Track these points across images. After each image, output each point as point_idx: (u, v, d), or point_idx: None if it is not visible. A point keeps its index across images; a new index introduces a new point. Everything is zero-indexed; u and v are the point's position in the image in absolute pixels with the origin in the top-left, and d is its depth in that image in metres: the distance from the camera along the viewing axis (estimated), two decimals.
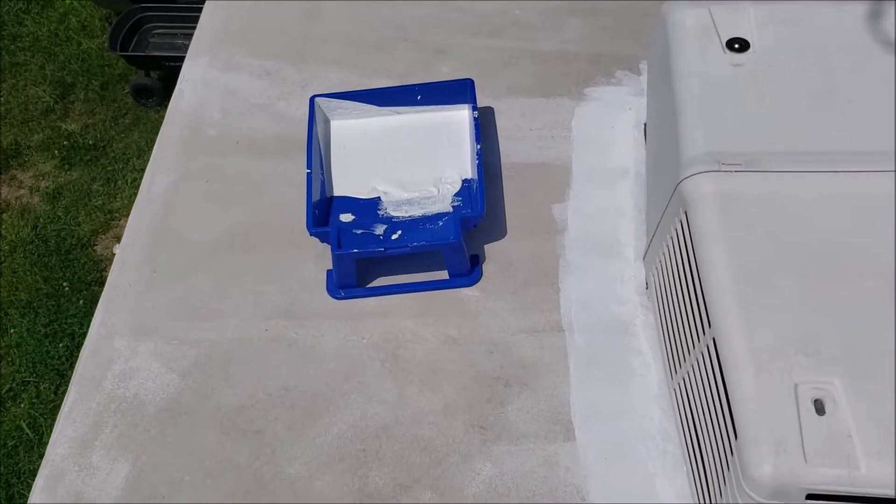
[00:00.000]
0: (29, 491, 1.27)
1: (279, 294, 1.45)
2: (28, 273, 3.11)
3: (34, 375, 2.85)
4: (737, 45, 1.22)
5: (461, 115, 1.59)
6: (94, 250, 3.20)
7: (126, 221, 1.57)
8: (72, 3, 4.00)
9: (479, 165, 1.48)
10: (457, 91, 1.58)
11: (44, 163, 3.49)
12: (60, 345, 2.91)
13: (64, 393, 1.40)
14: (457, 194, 1.50)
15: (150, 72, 3.52)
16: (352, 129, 1.60)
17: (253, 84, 1.74)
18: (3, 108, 3.66)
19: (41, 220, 3.29)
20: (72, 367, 2.20)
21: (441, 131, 1.58)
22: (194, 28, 1.86)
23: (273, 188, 1.58)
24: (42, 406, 2.79)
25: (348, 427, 1.30)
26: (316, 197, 1.47)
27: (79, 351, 1.66)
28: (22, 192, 3.43)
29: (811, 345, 0.95)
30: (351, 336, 1.40)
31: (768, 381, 0.93)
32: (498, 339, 1.39)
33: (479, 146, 1.50)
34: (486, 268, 1.48)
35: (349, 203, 1.50)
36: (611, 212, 1.51)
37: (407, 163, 1.55)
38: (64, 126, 3.60)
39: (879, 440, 0.88)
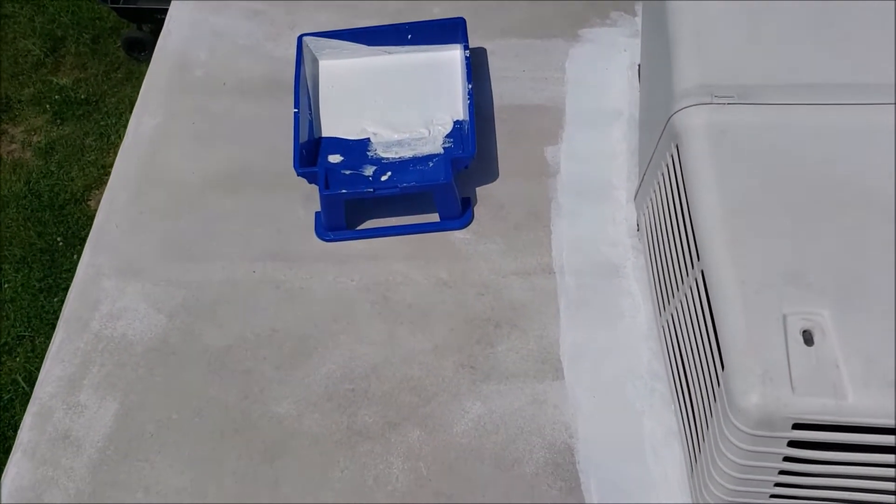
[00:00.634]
0: None
1: (267, 236, 1.43)
2: (21, 228, 3.09)
3: (29, 330, 2.85)
4: None
5: (453, 56, 1.56)
6: (88, 205, 3.18)
7: None
8: None
9: (470, 106, 1.45)
10: (448, 30, 1.55)
11: (35, 117, 3.45)
12: (55, 299, 2.90)
13: None
14: (448, 136, 1.48)
15: (142, 25, 3.46)
16: (341, 69, 1.57)
17: (241, 25, 1.71)
18: None
19: (34, 175, 3.26)
20: None
21: (432, 72, 1.55)
22: None
23: (261, 129, 1.56)
24: (37, 360, 2.79)
25: (337, 367, 1.30)
26: (304, 138, 1.45)
27: None
28: (14, 146, 3.39)
29: (801, 276, 0.94)
30: (340, 278, 1.39)
31: (757, 312, 0.92)
32: (489, 281, 1.38)
33: (470, 86, 1.47)
34: (478, 210, 1.46)
35: (338, 144, 1.48)
36: (604, 154, 1.49)
37: (397, 103, 1.52)
38: (55, 80, 3.55)
39: (866, 370, 0.87)
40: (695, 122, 1.06)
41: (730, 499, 0.97)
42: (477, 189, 1.48)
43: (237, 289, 1.38)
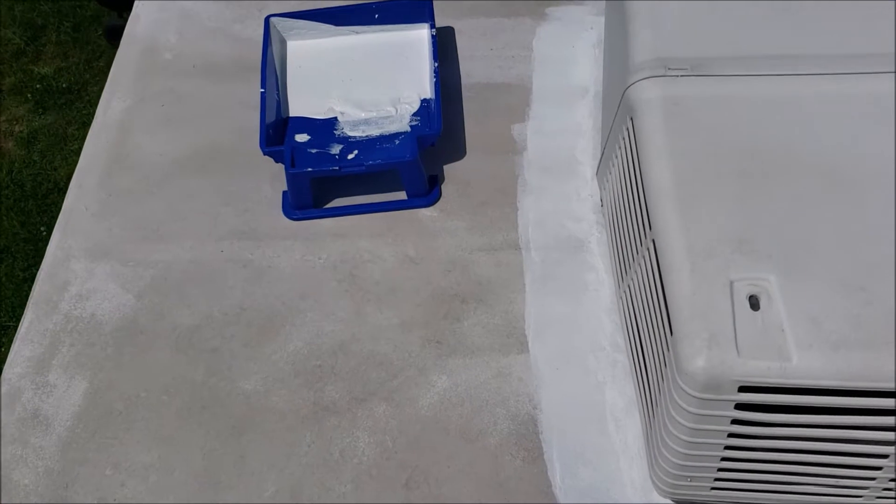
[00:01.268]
0: None
1: (235, 215, 1.44)
2: (4, 218, 3.09)
3: (13, 319, 2.85)
4: None
5: (420, 35, 1.56)
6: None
7: None
8: None
9: (436, 84, 1.46)
10: (415, 10, 1.55)
11: (17, 107, 3.43)
12: None
13: None
14: (415, 114, 1.49)
15: (123, 13, 3.44)
16: (308, 49, 1.57)
17: (209, 7, 1.71)
18: None
19: (16, 164, 3.26)
20: None
21: (399, 51, 1.56)
22: None
23: (229, 111, 1.56)
24: None
25: (304, 344, 1.31)
26: (271, 117, 1.45)
27: None
28: None
29: (748, 243, 0.95)
30: (308, 256, 1.40)
31: (704, 278, 0.93)
32: (456, 257, 1.39)
33: (436, 65, 1.48)
34: (445, 188, 1.47)
35: (305, 123, 1.49)
36: (570, 131, 1.50)
37: (364, 83, 1.53)
38: (36, 69, 3.54)
39: (811, 333, 0.89)
40: (649, 95, 1.07)
41: (683, 462, 0.99)
42: (444, 167, 1.49)
43: (205, 268, 1.39)
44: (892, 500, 1.00)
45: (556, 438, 1.20)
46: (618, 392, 1.22)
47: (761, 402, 0.90)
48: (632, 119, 1.09)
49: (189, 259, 1.40)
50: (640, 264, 1.07)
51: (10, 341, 2.80)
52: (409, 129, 1.46)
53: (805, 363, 0.88)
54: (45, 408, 1.27)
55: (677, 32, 1.13)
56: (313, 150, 1.43)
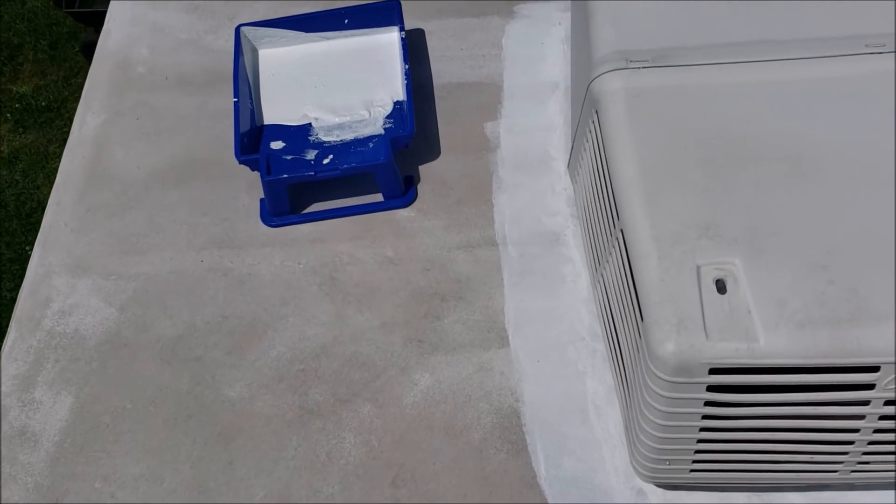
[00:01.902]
0: None
1: (213, 225, 1.45)
2: None
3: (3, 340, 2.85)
4: None
5: (390, 38, 1.58)
6: None
7: None
8: None
9: (407, 86, 1.47)
10: (384, 13, 1.57)
11: None
12: None
13: None
14: (388, 116, 1.50)
15: (100, 28, 3.44)
16: (280, 56, 1.58)
17: (181, 19, 1.72)
18: None
19: None
20: None
21: (370, 54, 1.57)
22: None
23: (204, 122, 1.57)
24: None
25: (287, 349, 1.32)
26: (245, 126, 1.46)
27: None
28: None
29: (713, 228, 0.97)
30: (287, 262, 1.41)
31: (671, 264, 0.95)
32: (434, 256, 1.41)
33: (407, 67, 1.49)
34: (421, 188, 1.49)
35: (280, 131, 1.50)
36: (541, 127, 1.52)
37: (337, 88, 1.54)
38: (15, 88, 3.54)
39: (776, 314, 0.91)
40: (611, 88, 1.09)
41: (660, 446, 1.01)
42: (419, 167, 1.50)
43: (186, 278, 1.40)
44: (867, 473, 1.02)
45: (540, 430, 1.22)
46: (598, 381, 1.24)
47: (732, 383, 0.92)
48: (597, 112, 1.11)
49: (170, 270, 1.41)
50: (611, 254, 1.09)
51: None
52: (382, 131, 1.47)
53: (772, 343, 0.90)
54: (32, 424, 1.28)
55: (638, 25, 1.15)
56: (288, 157, 1.44)
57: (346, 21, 1.57)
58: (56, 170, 3.35)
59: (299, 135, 1.49)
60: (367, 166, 1.41)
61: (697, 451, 1.01)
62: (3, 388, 1.32)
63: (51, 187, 3.36)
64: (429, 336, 1.32)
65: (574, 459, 1.19)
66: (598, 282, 1.20)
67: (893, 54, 1.08)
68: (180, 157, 1.54)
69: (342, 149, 1.46)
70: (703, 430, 0.98)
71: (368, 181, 1.45)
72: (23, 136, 3.40)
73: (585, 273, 1.34)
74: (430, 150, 1.52)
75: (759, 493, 1.13)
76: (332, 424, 1.25)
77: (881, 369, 0.89)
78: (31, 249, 3.12)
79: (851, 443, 0.97)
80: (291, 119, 1.51)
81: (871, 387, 0.91)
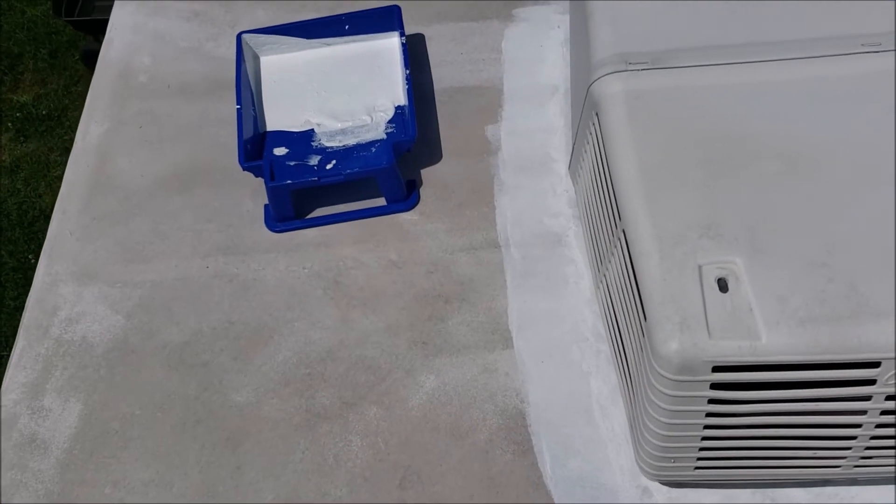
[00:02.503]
0: None
1: (218, 231, 1.46)
2: None
3: (6, 349, 2.86)
4: None
5: (390, 43, 1.59)
6: None
7: None
8: None
9: (409, 91, 1.49)
10: (384, 18, 1.58)
11: None
12: None
13: None
14: (390, 121, 1.51)
15: (99, 36, 3.45)
16: (282, 63, 1.59)
17: (181, 27, 1.73)
18: None
19: (1, 193, 3.27)
20: None
21: (371, 60, 1.58)
22: None
23: (207, 129, 1.59)
24: None
25: (293, 353, 1.34)
26: (248, 133, 1.48)
27: None
28: None
29: (714, 228, 0.98)
30: (292, 267, 1.42)
31: (673, 264, 0.96)
32: (437, 259, 1.42)
33: (408, 72, 1.50)
34: (423, 192, 1.50)
35: (282, 137, 1.51)
36: (542, 129, 1.53)
37: (339, 93, 1.55)
38: (15, 98, 3.55)
39: (778, 311, 0.92)
40: (611, 90, 1.11)
41: (665, 444, 1.02)
42: (421, 171, 1.52)
43: (191, 285, 1.41)
44: (870, 468, 1.03)
45: (545, 430, 1.23)
46: (602, 381, 1.25)
47: (735, 380, 0.93)
48: (597, 114, 1.12)
49: (175, 277, 1.42)
50: (613, 254, 1.10)
51: (3, 370, 2.82)
52: (384, 136, 1.49)
53: (774, 340, 0.91)
54: (41, 431, 1.29)
55: (637, 27, 1.16)
56: (292, 163, 1.46)
57: (347, 27, 1.58)
58: (57, 178, 3.37)
59: (302, 141, 1.50)
60: (369, 171, 1.42)
61: (702, 449, 1.02)
62: (13, 396, 1.33)
63: (52, 196, 3.38)
64: (433, 338, 1.34)
65: (579, 459, 1.20)
66: (601, 282, 1.21)
67: (890, 53, 1.09)
68: (184, 165, 1.55)
69: (345, 154, 1.47)
70: (707, 427, 0.99)
71: (371, 186, 1.46)
72: (24, 144, 3.41)
73: (588, 274, 1.35)
74: (432, 153, 1.53)
75: (763, 489, 1.14)
76: (338, 427, 1.26)
77: (882, 365, 0.90)
78: (34, 258, 3.14)
79: (854, 438, 0.98)
80: (294, 125, 1.52)
81: (871, 382, 0.92)
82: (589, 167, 1.20)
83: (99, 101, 1.65)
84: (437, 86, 1.62)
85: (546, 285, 1.36)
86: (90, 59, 3.49)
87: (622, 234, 1.04)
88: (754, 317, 0.92)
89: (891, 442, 0.98)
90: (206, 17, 1.74)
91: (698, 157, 1.04)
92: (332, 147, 1.48)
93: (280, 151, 1.49)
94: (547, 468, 1.20)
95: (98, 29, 3.41)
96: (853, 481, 1.11)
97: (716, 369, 0.92)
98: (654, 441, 1.03)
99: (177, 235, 1.46)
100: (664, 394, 0.96)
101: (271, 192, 1.42)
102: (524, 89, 1.58)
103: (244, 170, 1.42)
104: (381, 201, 1.48)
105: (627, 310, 1.05)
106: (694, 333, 0.92)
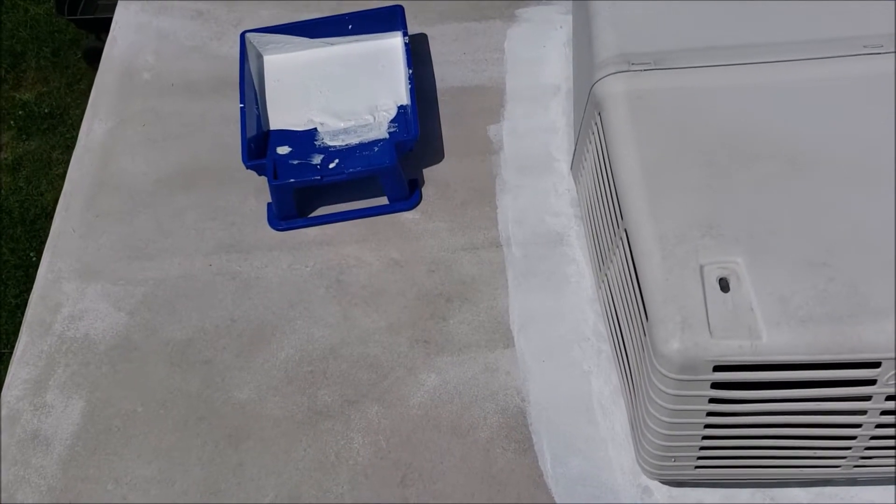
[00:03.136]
0: None
1: (221, 229, 1.47)
2: None
3: (8, 347, 2.86)
4: None
5: (393, 43, 1.59)
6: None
7: None
8: None
9: (411, 91, 1.49)
10: (387, 18, 1.58)
11: (0, 134, 3.45)
12: None
13: None
14: (393, 121, 1.52)
15: (102, 35, 3.45)
16: (285, 62, 1.60)
17: (185, 26, 1.74)
18: None
19: (3, 191, 3.27)
20: None
21: (374, 60, 1.59)
22: None
23: (210, 127, 1.59)
24: None
25: (295, 351, 1.34)
26: (252, 132, 1.48)
27: None
28: None
29: (716, 228, 0.98)
30: (295, 265, 1.43)
31: (675, 263, 0.96)
32: (439, 258, 1.42)
33: (411, 71, 1.51)
34: (426, 191, 1.50)
35: (286, 136, 1.52)
36: (544, 129, 1.53)
37: (342, 93, 1.56)
38: (18, 96, 3.55)
39: (779, 310, 0.92)
40: (614, 90, 1.11)
41: (666, 443, 1.02)
42: (424, 170, 1.52)
43: (194, 282, 1.41)
44: (870, 468, 1.04)
45: (546, 429, 1.23)
46: (603, 380, 1.26)
47: (736, 380, 0.94)
48: (599, 114, 1.13)
49: (178, 274, 1.42)
50: (615, 254, 1.11)
51: (6, 368, 2.82)
52: (387, 135, 1.49)
53: (775, 340, 0.91)
54: (44, 428, 1.29)
55: (639, 28, 1.16)
56: (295, 162, 1.46)
57: (350, 27, 1.59)
58: (59, 176, 3.37)
59: (305, 139, 1.51)
60: (372, 170, 1.43)
61: (702, 448, 1.02)
62: (16, 393, 1.33)
63: (54, 193, 3.39)
64: (435, 337, 1.34)
65: (580, 458, 1.20)
66: (603, 281, 1.21)
67: (891, 54, 1.10)
68: (187, 163, 1.56)
69: (348, 153, 1.47)
70: (707, 426, 0.99)
71: (374, 185, 1.46)
72: (26, 142, 3.42)
73: (589, 273, 1.35)
74: (434, 153, 1.54)
75: (764, 489, 1.15)
76: (340, 425, 1.26)
77: (882, 365, 0.90)
78: (36, 256, 3.14)
79: (854, 438, 0.99)
80: (297, 124, 1.53)
81: (872, 382, 0.92)
82: (591, 167, 1.20)
83: (102, 99, 1.66)
84: (439, 85, 1.62)
85: (547, 284, 1.36)
86: (93, 57, 3.49)
87: (624, 234, 1.04)
88: (755, 316, 0.93)
89: (891, 442, 0.99)
90: (210, 16, 1.75)
91: (700, 158, 1.04)
92: (334, 146, 1.49)
93: (283, 150, 1.49)
94: (548, 467, 1.20)
95: (101, 27, 3.42)
96: (853, 481, 1.12)
97: (717, 368, 0.93)
98: (654, 440, 1.03)
99: (180, 233, 1.47)
100: (665, 393, 0.96)
101: (274, 190, 1.42)
102: (526, 89, 1.59)
103: (248, 168, 1.43)
104: (384, 200, 1.48)
105: (629, 309, 1.06)
106: (695, 333, 0.92)
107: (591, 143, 1.19)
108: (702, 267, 0.96)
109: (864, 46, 1.10)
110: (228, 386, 1.31)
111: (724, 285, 0.95)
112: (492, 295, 1.37)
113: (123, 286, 1.42)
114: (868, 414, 0.96)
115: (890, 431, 0.97)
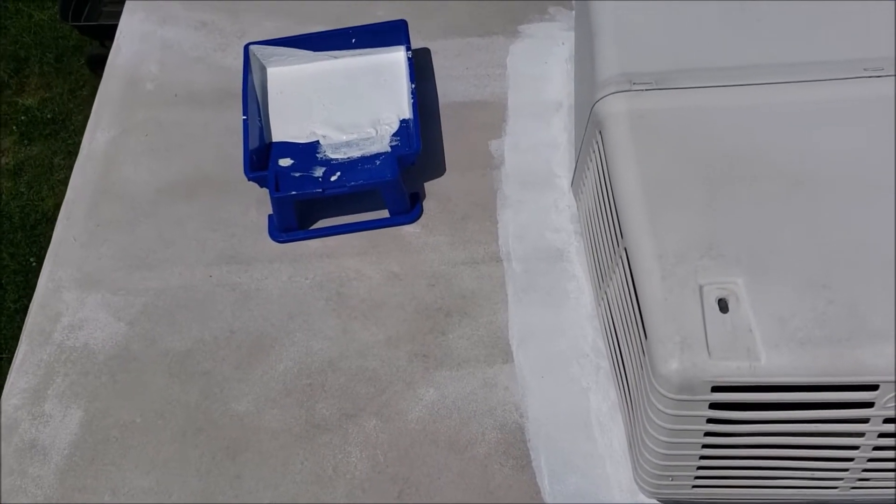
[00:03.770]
0: None
1: (222, 240, 1.47)
2: None
3: (6, 351, 2.86)
4: None
5: (396, 57, 1.60)
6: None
7: None
8: None
9: (414, 105, 1.50)
10: (391, 33, 1.59)
11: (2, 139, 3.46)
12: None
13: None
14: (395, 134, 1.52)
15: (105, 42, 3.47)
16: (288, 75, 1.61)
17: (189, 36, 1.74)
18: None
19: (4, 196, 3.27)
20: None
21: (377, 74, 1.60)
22: None
23: (213, 138, 1.60)
24: None
25: (294, 363, 1.34)
26: (254, 143, 1.49)
27: None
28: None
29: (716, 248, 0.99)
30: (295, 277, 1.43)
31: (675, 283, 0.97)
32: (439, 271, 1.43)
33: (414, 86, 1.52)
34: (427, 205, 1.51)
35: (288, 148, 1.52)
36: (545, 145, 1.54)
37: (345, 106, 1.56)
38: (20, 101, 3.56)
39: (777, 332, 0.93)
40: (615, 109, 1.12)
41: (664, 462, 1.02)
42: (425, 184, 1.53)
43: (194, 293, 1.42)
44: (867, 490, 1.04)
45: (544, 446, 1.23)
46: (602, 397, 1.26)
47: (734, 400, 0.94)
48: (601, 133, 1.13)
49: (179, 285, 1.43)
50: (615, 272, 1.11)
51: (4, 373, 2.81)
52: (389, 149, 1.50)
53: (773, 361, 0.92)
54: (42, 437, 1.29)
55: (641, 48, 1.17)
56: (297, 174, 1.47)
57: (354, 40, 1.60)
58: (61, 182, 3.38)
59: (307, 152, 1.51)
60: (373, 183, 1.44)
61: (700, 468, 1.03)
62: (14, 402, 1.33)
63: (55, 199, 3.39)
64: (434, 351, 1.34)
65: (578, 475, 1.20)
66: (602, 299, 1.22)
67: (891, 77, 1.11)
68: (189, 173, 1.56)
69: (349, 166, 1.48)
70: (705, 446, 0.99)
71: (375, 198, 1.47)
72: (28, 147, 3.42)
73: (589, 289, 1.36)
74: (436, 167, 1.55)
75: None
76: (338, 439, 1.26)
77: (880, 387, 0.91)
78: (35, 261, 3.14)
79: (851, 459, 0.99)
80: (299, 136, 1.54)
81: (870, 405, 0.92)
82: (592, 184, 1.21)
83: (106, 108, 1.66)
84: (442, 100, 1.63)
85: (547, 300, 1.37)
86: (96, 63, 3.51)
87: (624, 252, 1.05)
88: (754, 337, 0.93)
89: (888, 464, 0.99)
90: (215, 28, 1.75)
91: (701, 177, 1.05)
92: (336, 159, 1.50)
93: (285, 162, 1.50)
94: (545, 484, 1.20)
95: (104, 34, 3.43)
96: (851, 502, 1.12)
97: (715, 389, 0.93)
98: (652, 459, 1.03)
99: (181, 243, 1.47)
100: (663, 412, 0.96)
101: (276, 202, 1.43)
102: (528, 105, 1.60)
103: (249, 180, 1.43)
104: (385, 213, 1.49)
105: (628, 327, 1.06)
106: (694, 353, 0.93)
107: (592, 160, 1.20)
108: (701, 287, 0.96)
109: (865, 69, 1.11)
110: (227, 397, 1.31)
111: (723, 306, 0.95)
112: (491, 310, 1.37)
113: (124, 296, 1.42)
114: (865, 436, 0.96)
115: (887, 454, 0.98)
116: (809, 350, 0.91)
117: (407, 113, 1.54)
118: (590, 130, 1.18)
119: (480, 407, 1.28)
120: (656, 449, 1.01)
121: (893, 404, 0.92)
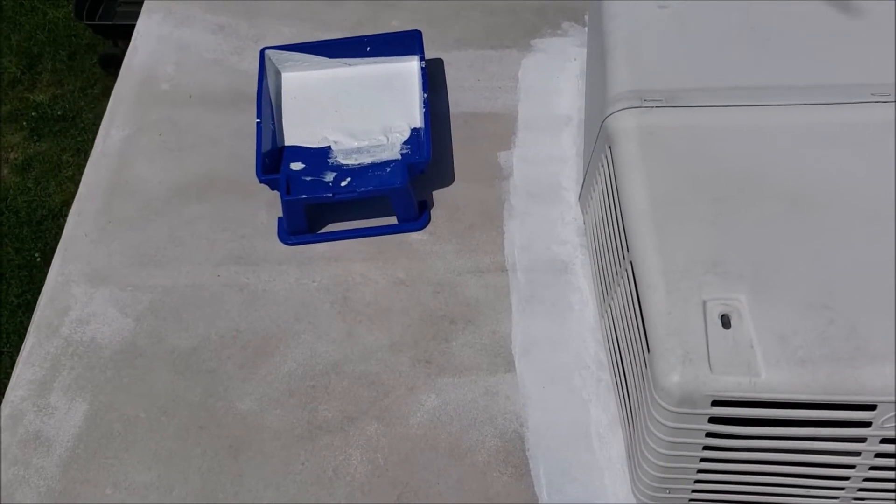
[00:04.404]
0: None
1: (231, 241, 1.49)
2: None
3: (8, 346, 2.87)
4: None
5: (409, 66, 1.63)
6: (66, 221, 3.22)
7: None
8: None
9: (426, 114, 1.52)
10: (405, 42, 1.62)
11: (12, 134, 3.48)
12: None
13: None
14: (405, 142, 1.54)
15: (118, 41, 3.50)
16: (303, 80, 1.63)
17: (206, 39, 1.77)
18: None
19: (11, 191, 3.29)
20: None
21: (390, 82, 1.62)
22: None
23: (226, 140, 1.62)
24: None
25: (298, 365, 1.36)
26: (267, 146, 1.51)
27: None
28: None
29: (720, 265, 1.01)
30: (302, 279, 1.45)
31: (679, 298, 0.98)
32: (444, 279, 1.44)
33: (426, 95, 1.54)
34: (435, 213, 1.52)
35: (300, 152, 1.54)
36: (554, 158, 1.56)
37: (357, 113, 1.59)
38: (32, 97, 3.59)
39: (778, 349, 0.94)
40: (625, 125, 1.14)
41: (662, 475, 1.04)
42: (434, 192, 1.55)
43: (202, 292, 1.43)
44: None
45: (543, 455, 1.24)
46: (602, 409, 1.27)
47: (734, 415, 0.95)
48: (610, 148, 1.15)
49: (187, 284, 1.44)
50: (619, 285, 1.13)
51: (4, 367, 2.83)
52: (399, 156, 1.52)
53: (773, 378, 0.93)
54: (46, 429, 1.30)
55: (653, 65, 1.19)
56: (308, 178, 1.49)
57: (368, 48, 1.62)
58: (68, 178, 3.40)
59: (318, 157, 1.53)
60: (383, 190, 1.45)
61: (697, 481, 1.04)
62: (20, 393, 1.34)
63: (62, 196, 3.41)
64: (437, 358, 1.36)
65: (576, 485, 1.21)
66: (606, 311, 1.23)
67: None
68: (201, 174, 1.58)
69: (360, 172, 1.50)
70: (703, 459, 1.01)
71: (384, 204, 1.49)
72: (37, 143, 3.45)
73: (592, 301, 1.37)
74: (445, 176, 1.56)
75: None
76: (339, 441, 1.28)
77: (878, 408, 0.92)
78: (41, 256, 3.16)
79: (848, 478, 1.00)
80: (311, 141, 1.56)
81: (867, 424, 0.94)
82: (599, 198, 1.23)
83: (121, 107, 1.68)
84: (453, 110, 1.65)
85: (551, 311, 1.38)
86: (108, 62, 3.54)
87: (629, 266, 1.06)
88: (755, 354, 0.94)
89: (885, 484, 1.00)
90: (231, 31, 1.78)
91: (707, 195, 1.07)
92: (347, 165, 1.52)
93: (297, 166, 1.52)
94: (543, 493, 1.21)
95: (118, 34, 3.46)
96: None
97: (715, 403, 0.94)
98: (650, 470, 1.04)
99: (191, 243, 1.49)
100: (663, 425, 0.98)
101: (286, 205, 1.44)
102: (538, 118, 1.62)
103: (261, 182, 1.45)
104: (393, 220, 1.51)
105: (631, 340, 1.07)
106: (695, 367, 0.94)
107: (600, 175, 1.22)
108: (705, 302, 0.98)
109: (872, 94, 1.13)
110: (230, 396, 1.33)
111: (725, 322, 0.97)
112: (495, 319, 1.39)
113: (132, 292, 1.44)
114: (862, 455, 0.97)
115: (884, 473, 0.99)
116: (809, 368, 0.93)
117: (418, 121, 1.56)
118: (599, 145, 1.20)
119: (481, 415, 1.29)
120: (655, 461, 1.02)
121: (891, 425, 0.93)
